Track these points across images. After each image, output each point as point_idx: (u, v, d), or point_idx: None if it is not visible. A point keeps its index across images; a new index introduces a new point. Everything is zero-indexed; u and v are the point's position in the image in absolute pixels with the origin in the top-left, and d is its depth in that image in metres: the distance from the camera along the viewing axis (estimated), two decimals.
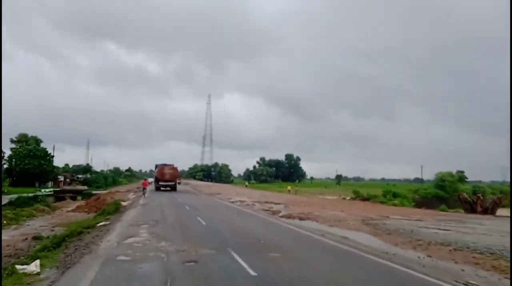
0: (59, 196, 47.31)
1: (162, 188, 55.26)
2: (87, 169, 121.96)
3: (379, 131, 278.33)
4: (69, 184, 78.57)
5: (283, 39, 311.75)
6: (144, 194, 44.33)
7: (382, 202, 41.83)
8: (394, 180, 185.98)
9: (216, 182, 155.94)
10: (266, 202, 36.84)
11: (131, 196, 46.67)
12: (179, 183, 61.87)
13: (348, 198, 50.23)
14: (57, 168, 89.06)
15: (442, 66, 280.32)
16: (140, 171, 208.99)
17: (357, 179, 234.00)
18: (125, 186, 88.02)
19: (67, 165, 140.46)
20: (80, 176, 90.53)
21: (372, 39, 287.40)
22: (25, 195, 35.47)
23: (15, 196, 35.07)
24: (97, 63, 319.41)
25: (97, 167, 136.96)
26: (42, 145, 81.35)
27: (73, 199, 46.71)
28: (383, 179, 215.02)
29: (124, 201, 36.14)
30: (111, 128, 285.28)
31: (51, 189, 56.12)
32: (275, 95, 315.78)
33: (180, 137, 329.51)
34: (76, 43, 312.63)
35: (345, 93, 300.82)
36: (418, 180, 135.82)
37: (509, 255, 10.46)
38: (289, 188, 70.92)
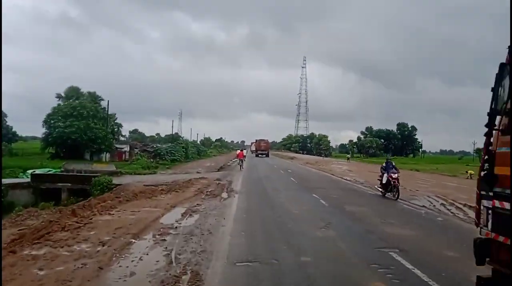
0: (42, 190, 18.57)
1: (259, 155, 71.19)
2: (174, 138, 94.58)
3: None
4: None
5: None
6: (241, 166, 32.37)
7: None
8: None
9: (313, 154, 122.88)
10: None
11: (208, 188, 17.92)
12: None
13: None
14: (117, 134, 62.67)
15: None
16: (232, 141, 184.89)
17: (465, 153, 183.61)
18: (212, 159, 60.27)
19: (158, 134, 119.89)
20: (155, 146, 61.81)
21: None
22: None
23: None
24: (169, 35, 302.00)
25: (189, 137, 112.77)
26: (108, 110, 54.71)
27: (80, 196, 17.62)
28: None
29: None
30: (197, 100, 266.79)
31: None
32: (352, 62, 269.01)
33: (264, 109, 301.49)
34: (145, 15, 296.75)
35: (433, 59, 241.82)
36: None
37: None
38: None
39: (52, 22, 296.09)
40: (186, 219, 9.68)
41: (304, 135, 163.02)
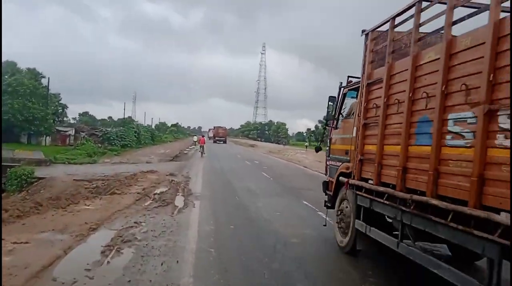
0: None
1: (217, 141, 72.74)
2: (126, 122, 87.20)
3: None
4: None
5: None
6: (202, 153, 31.51)
7: None
8: None
9: (271, 142, 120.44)
10: None
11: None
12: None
13: None
14: (61, 115, 55.82)
15: None
16: (189, 127, 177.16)
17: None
18: (167, 145, 56.10)
19: (110, 117, 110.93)
20: (104, 129, 55.19)
21: None
22: None
23: None
24: (123, 15, 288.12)
25: (143, 122, 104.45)
26: (48, 87, 47.62)
27: None
28: None
29: None
30: (152, 84, 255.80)
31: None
32: (308, 51, 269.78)
33: (222, 95, 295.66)
34: None
35: None
36: None
37: None
38: None
39: None
40: (106, 263, 5.33)
41: (263, 122, 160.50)
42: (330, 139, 7.68)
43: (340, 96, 7.35)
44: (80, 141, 43.02)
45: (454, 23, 3.97)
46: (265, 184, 15.33)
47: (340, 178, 6.47)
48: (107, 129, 54.38)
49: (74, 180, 15.28)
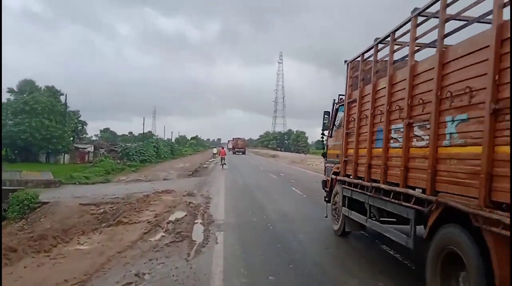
0: None
1: (236, 153, 73.90)
2: (146, 137, 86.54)
3: None
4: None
5: None
6: (223, 165, 30.53)
7: None
8: None
9: (291, 151, 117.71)
10: None
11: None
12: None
13: None
14: (81, 133, 54.98)
15: None
16: (208, 139, 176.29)
17: None
18: (186, 158, 54.40)
19: (130, 132, 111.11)
20: (124, 145, 53.83)
21: None
22: None
23: None
24: (141, 31, 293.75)
25: (163, 135, 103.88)
26: (66, 104, 46.98)
27: None
28: None
29: None
30: (171, 98, 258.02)
31: None
32: (325, 59, 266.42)
33: (240, 106, 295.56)
34: (116, 10, 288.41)
35: None
36: None
37: None
38: None
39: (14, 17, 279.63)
40: None
41: (282, 132, 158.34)
42: (327, 146, 9.39)
43: (333, 111, 8.96)
44: (98, 158, 41.81)
45: (395, 61, 5.59)
46: (299, 203, 12.86)
47: (333, 176, 8.17)
48: (126, 145, 53.14)
49: (80, 204, 13.40)
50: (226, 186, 18.21)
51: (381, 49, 5.99)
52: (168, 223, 9.13)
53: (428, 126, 4.32)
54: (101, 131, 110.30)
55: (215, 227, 8.75)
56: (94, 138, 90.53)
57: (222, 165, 30.89)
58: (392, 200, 5.03)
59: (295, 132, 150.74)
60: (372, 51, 6.20)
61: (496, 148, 3.28)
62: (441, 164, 4.08)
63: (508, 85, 3.14)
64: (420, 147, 4.52)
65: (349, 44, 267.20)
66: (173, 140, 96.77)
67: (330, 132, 9.09)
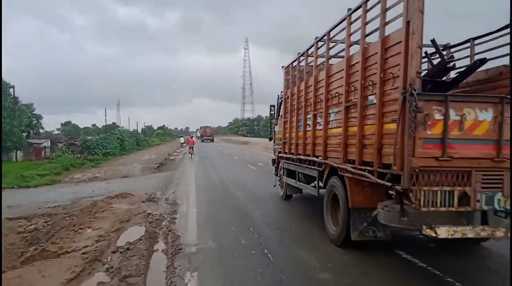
0: None
1: (205, 140, 78.13)
2: (110, 129, 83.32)
3: None
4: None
5: None
6: (191, 154, 30.88)
7: None
8: None
9: (261, 137, 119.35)
10: None
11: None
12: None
13: None
14: (35, 127, 53.13)
15: None
16: (176, 129, 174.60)
17: None
18: (153, 149, 53.37)
19: (94, 125, 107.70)
20: (83, 138, 52.75)
21: None
22: None
23: None
24: (97, 21, 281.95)
25: (128, 127, 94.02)
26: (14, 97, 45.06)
27: None
28: None
29: None
30: (135, 89, 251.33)
31: None
32: (289, 43, 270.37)
33: (207, 94, 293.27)
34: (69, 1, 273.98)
35: None
36: None
37: None
38: None
39: None
40: None
41: (251, 118, 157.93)
42: (274, 132, 12.03)
43: (278, 104, 11.28)
44: (56, 153, 40.41)
45: (318, 65, 7.53)
46: (297, 207, 10.26)
47: (278, 154, 10.73)
48: (87, 138, 52.17)
49: (7, 218, 9.76)
50: (198, 184, 14.84)
51: (309, 55, 8.04)
52: (113, 252, 6.35)
53: (322, 116, 6.75)
54: (62, 124, 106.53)
55: (184, 260, 5.80)
56: (56, 132, 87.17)
57: (191, 154, 30.63)
58: (307, 166, 7.71)
59: (264, 118, 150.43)
60: (301, 59, 8.45)
61: (349, 128, 5.77)
62: (328, 140, 6.62)
63: (352, 93, 5.58)
64: (320, 129, 6.96)
65: (310, 26, 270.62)
66: (139, 131, 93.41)
67: (276, 120, 11.58)
